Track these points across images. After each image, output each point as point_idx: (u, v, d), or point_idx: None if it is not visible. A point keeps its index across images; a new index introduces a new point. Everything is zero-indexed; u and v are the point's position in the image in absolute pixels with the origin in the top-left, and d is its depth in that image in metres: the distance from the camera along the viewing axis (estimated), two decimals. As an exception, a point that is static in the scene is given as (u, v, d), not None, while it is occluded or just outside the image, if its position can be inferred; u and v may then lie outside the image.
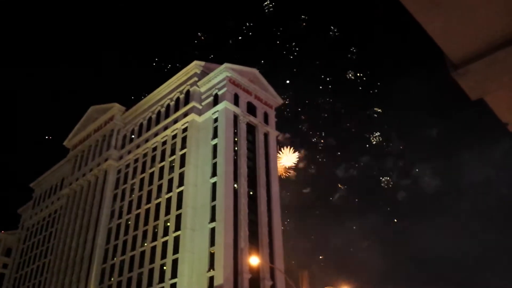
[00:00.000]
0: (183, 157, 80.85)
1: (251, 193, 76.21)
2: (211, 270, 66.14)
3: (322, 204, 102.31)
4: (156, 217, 79.13)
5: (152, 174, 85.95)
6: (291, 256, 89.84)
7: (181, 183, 77.89)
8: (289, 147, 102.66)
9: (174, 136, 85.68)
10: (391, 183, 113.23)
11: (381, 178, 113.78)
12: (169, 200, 78.56)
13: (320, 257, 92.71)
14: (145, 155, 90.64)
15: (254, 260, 45.35)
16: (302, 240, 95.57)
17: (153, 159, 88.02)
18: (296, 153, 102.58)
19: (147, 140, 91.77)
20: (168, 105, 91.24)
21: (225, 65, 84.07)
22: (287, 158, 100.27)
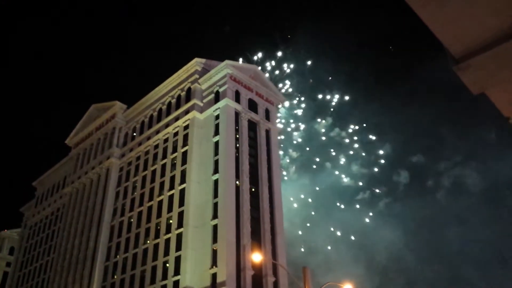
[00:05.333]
0: (184, 154, 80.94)
1: (253, 189, 76.28)
2: (214, 267, 66.30)
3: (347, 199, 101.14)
4: (159, 215, 79.30)
5: (154, 172, 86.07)
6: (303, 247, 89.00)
7: (183, 181, 78.02)
8: None
9: (176, 134, 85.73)
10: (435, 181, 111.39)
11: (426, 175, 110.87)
12: (171, 197, 78.70)
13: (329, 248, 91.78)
14: (147, 152, 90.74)
15: (256, 257, 45.40)
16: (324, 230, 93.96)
17: (155, 156, 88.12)
18: None
19: (148, 138, 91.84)
20: (169, 103, 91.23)
21: (226, 62, 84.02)
22: None
